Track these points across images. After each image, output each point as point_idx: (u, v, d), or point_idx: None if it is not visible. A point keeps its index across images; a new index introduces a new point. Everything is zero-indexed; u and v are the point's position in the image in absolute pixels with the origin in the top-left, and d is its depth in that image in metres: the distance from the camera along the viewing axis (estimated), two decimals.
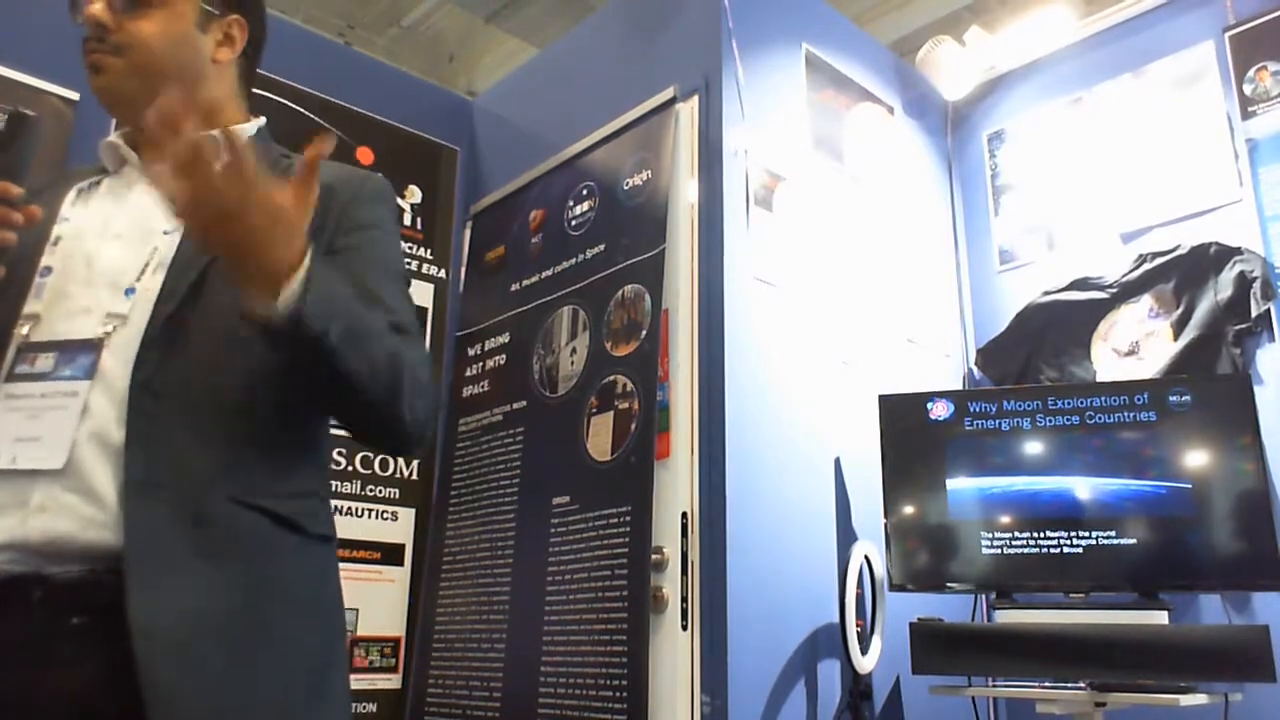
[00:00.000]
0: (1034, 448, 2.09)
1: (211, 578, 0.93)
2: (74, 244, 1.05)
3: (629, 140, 2.36)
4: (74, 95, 2.15)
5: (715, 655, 1.86)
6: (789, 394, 2.18)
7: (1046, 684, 1.94)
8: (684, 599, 1.89)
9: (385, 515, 2.50)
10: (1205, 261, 2.31)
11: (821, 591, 2.12)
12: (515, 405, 2.42)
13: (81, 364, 0.97)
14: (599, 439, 2.11)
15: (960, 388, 2.70)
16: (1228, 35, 2.41)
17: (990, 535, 2.06)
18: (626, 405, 2.07)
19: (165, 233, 1.04)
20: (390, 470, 2.54)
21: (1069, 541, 1.99)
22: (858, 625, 2.09)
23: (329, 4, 5.61)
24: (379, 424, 1.04)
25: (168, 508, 0.93)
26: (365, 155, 2.70)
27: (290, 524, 1.01)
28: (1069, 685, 1.90)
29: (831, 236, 2.43)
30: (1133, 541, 1.95)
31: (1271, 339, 2.20)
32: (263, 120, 1.22)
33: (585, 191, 2.46)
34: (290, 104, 2.58)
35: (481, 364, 2.60)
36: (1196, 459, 1.96)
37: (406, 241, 2.71)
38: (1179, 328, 2.32)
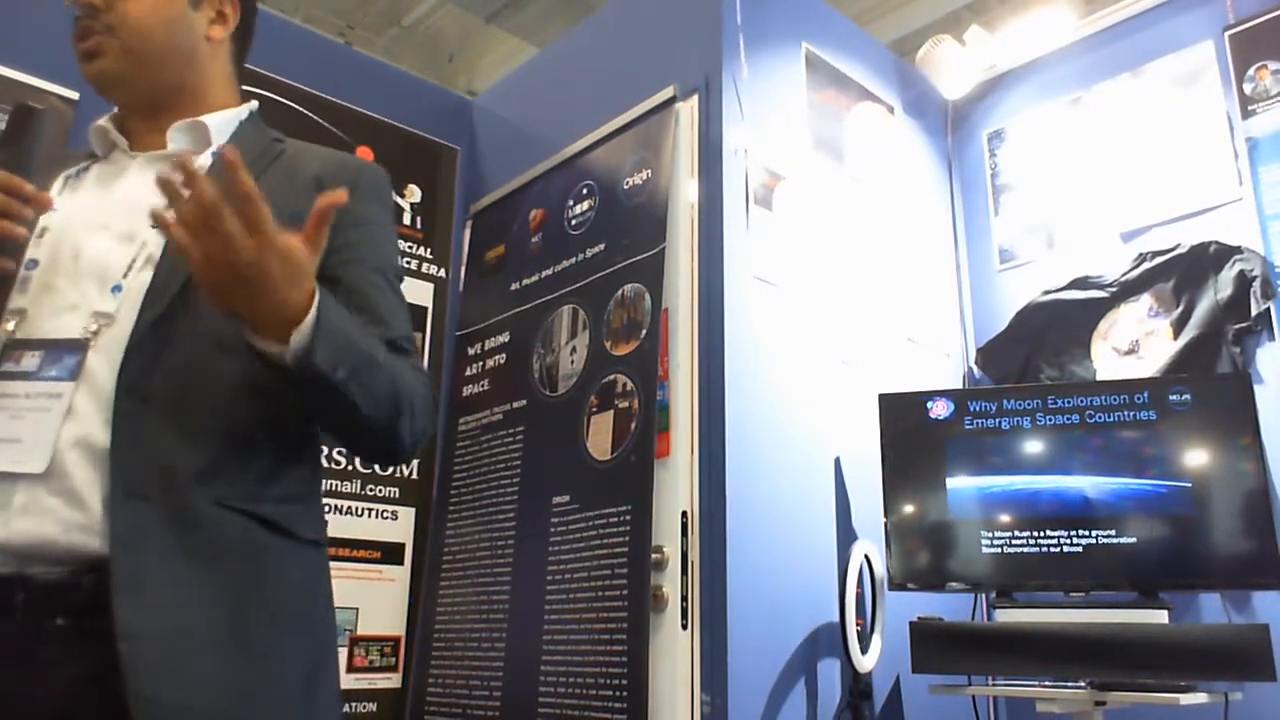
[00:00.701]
0: (1034, 447, 2.09)
1: (198, 582, 0.92)
2: (61, 235, 1.02)
3: (629, 140, 2.36)
4: (74, 95, 2.15)
5: (715, 655, 1.85)
6: (789, 393, 2.18)
7: (1046, 683, 1.94)
8: (684, 598, 1.89)
9: (385, 515, 2.50)
10: (1205, 260, 2.31)
11: (821, 591, 2.12)
12: (515, 404, 2.42)
13: (67, 365, 0.95)
14: (599, 438, 2.11)
15: (960, 387, 2.70)
16: (1227, 34, 2.41)
17: (990, 534, 2.06)
18: (626, 404, 2.07)
19: (154, 226, 1.00)
20: (390, 470, 2.53)
21: (1069, 541, 1.99)
22: (858, 624, 2.09)
23: (329, 4, 5.61)
24: (377, 448, 1.06)
25: (155, 512, 0.91)
26: (365, 155, 2.70)
27: (278, 528, 1.00)
28: (1069, 684, 1.90)
29: (831, 236, 2.43)
30: (1133, 541, 1.95)
31: (1271, 338, 2.20)
32: (255, 104, 1.21)
33: (585, 191, 2.46)
34: (290, 104, 2.58)
35: (481, 363, 2.60)
36: (1196, 458, 1.96)
37: (407, 241, 2.71)
38: (1179, 327, 2.32)
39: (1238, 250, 2.26)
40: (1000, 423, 2.12)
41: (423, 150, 2.88)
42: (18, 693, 0.89)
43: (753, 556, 1.96)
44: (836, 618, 2.09)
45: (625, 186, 2.31)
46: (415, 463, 2.59)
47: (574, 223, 2.45)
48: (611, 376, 2.14)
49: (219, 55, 1.17)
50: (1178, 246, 2.37)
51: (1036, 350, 2.58)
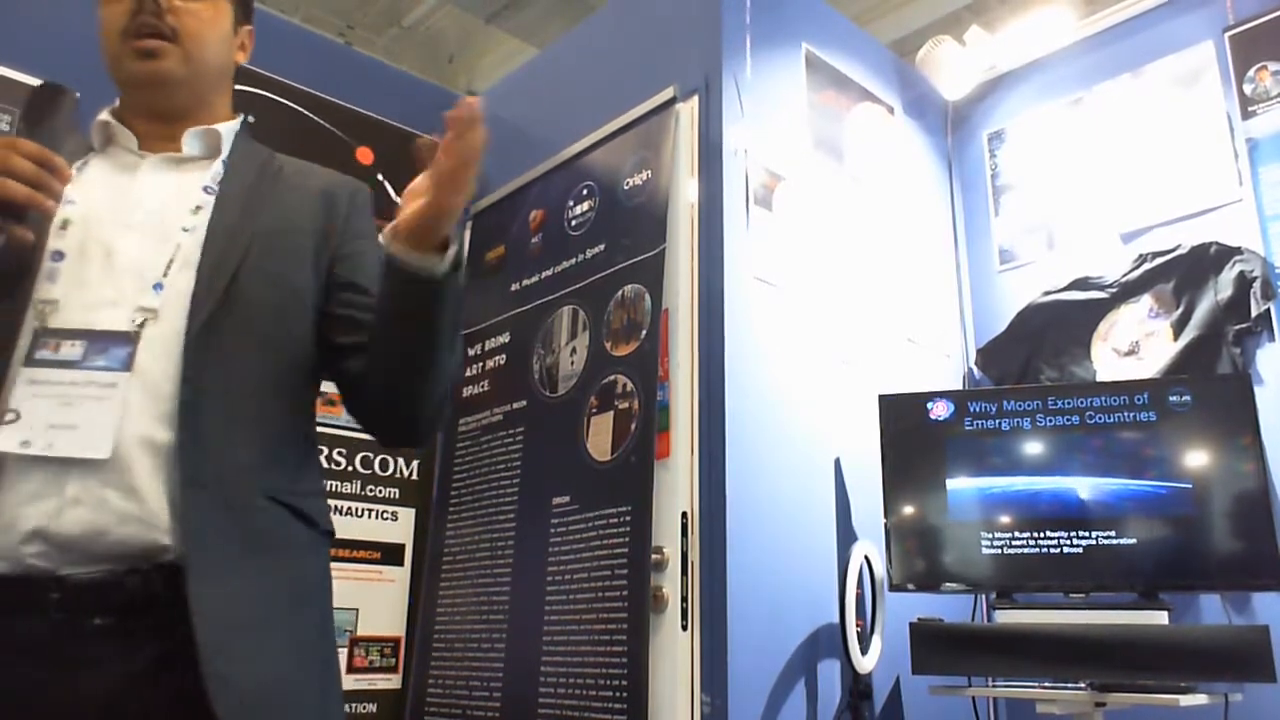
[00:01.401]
0: (1034, 448, 2.09)
1: (256, 571, 0.98)
2: (87, 230, 1.04)
3: (629, 140, 2.36)
4: (74, 94, 2.14)
5: (715, 655, 1.85)
6: (789, 394, 2.18)
7: (1046, 684, 1.94)
8: (684, 599, 1.89)
9: (385, 515, 2.50)
10: (1205, 261, 2.31)
11: (821, 591, 2.12)
12: (515, 405, 2.42)
13: (117, 355, 0.97)
14: (599, 439, 2.11)
15: (960, 387, 2.70)
16: (1227, 35, 2.41)
17: (990, 535, 2.06)
18: (626, 405, 2.07)
19: (185, 230, 1.06)
20: (390, 470, 2.54)
21: (1069, 541, 1.99)
22: (858, 625, 2.09)
23: (329, 4, 5.62)
24: (420, 399, 1.10)
25: (217, 504, 0.97)
26: (365, 155, 2.70)
27: (308, 519, 1.07)
28: (1069, 685, 1.90)
29: (831, 236, 2.43)
30: (1133, 541, 1.95)
31: (1271, 339, 2.20)
32: (245, 117, 1.26)
33: (585, 191, 2.46)
34: (290, 104, 2.58)
35: (481, 364, 2.60)
36: (1196, 459, 1.96)
37: None
38: (1179, 328, 2.32)
39: (1238, 251, 2.26)
40: (1000, 424, 2.12)
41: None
42: (59, 692, 0.90)
43: (753, 557, 1.96)
44: (836, 618, 2.09)
45: (625, 187, 2.31)
46: (415, 463, 2.59)
47: (574, 223, 2.45)
48: (611, 377, 2.14)
49: (232, 75, 1.26)
50: (1178, 247, 2.37)
51: (1036, 351, 2.58)
